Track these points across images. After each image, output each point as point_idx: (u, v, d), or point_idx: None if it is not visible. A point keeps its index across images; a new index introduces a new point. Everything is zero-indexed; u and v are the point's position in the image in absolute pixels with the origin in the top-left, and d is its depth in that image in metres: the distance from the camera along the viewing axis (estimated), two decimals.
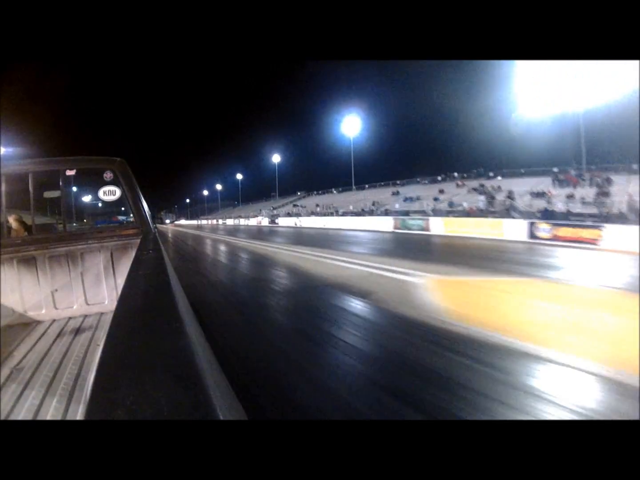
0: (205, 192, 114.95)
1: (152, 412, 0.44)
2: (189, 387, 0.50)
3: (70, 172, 3.22)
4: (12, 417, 1.57)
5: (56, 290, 3.13)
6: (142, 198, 3.46)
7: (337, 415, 2.31)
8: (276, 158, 63.97)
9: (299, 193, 55.38)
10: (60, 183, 3.21)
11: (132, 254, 3.19)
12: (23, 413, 1.61)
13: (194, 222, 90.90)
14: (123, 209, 3.51)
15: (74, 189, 3.43)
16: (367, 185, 40.86)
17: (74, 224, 3.67)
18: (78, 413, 1.58)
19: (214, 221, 68.95)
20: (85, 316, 3.16)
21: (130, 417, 0.43)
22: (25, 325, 2.95)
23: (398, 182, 35.96)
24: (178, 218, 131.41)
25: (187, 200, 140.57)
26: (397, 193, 31.61)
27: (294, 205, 44.66)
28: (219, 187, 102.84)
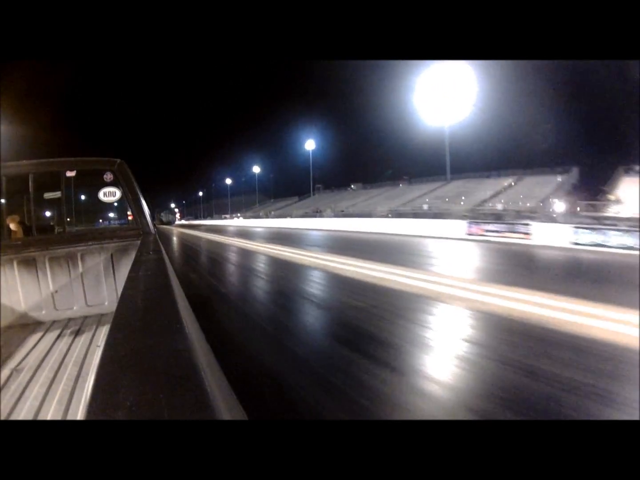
0: (229, 181, 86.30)
1: (152, 412, 0.44)
2: (189, 387, 0.50)
3: (70, 174, 3.22)
4: (13, 418, 1.57)
5: (56, 291, 3.14)
6: (142, 199, 3.47)
7: None
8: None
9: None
10: (61, 184, 3.22)
11: (132, 255, 3.19)
12: (23, 414, 1.61)
13: (208, 221, 69.11)
14: (116, 206, 3.51)
15: (74, 190, 3.43)
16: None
17: (74, 226, 3.67)
18: (78, 414, 1.58)
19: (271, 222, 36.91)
20: (86, 317, 3.16)
21: (131, 418, 0.43)
22: (25, 326, 2.95)
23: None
24: (189, 217, 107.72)
25: (200, 194, 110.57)
26: None
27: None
28: (256, 169, 71.34)
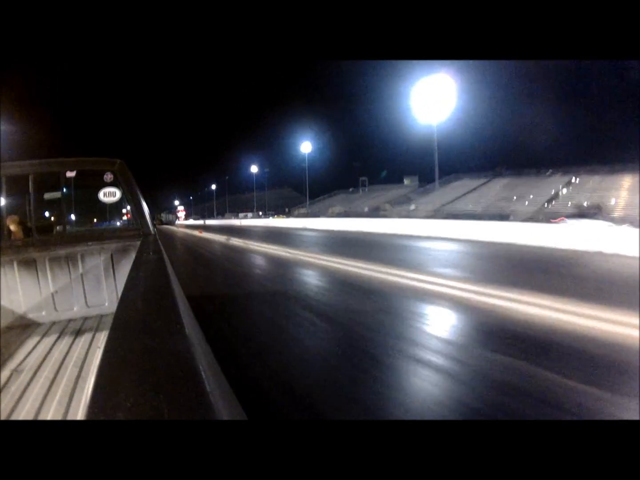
0: (254, 169, 66.77)
1: (152, 413, 0.44)
2: (189, 387, 0.50)
3: (70, 174, 3.22)
4: (13, 418, 1.57)
5: (56, 292, 3.13)
6: (142, 199, 3.47)
7: None
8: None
9: None
10: (61, 185, 3.22)
11: (133, 255, 3.19)
12: (23, 414, 1.61)
13: (227, 221, 53.69)
14: (116, 206, 3.51)
15: (74, 190, 3.43)
16: None
17: (75, 226, 3.68)
18: (78, 415, 1.58)
19: None
20: (86, 318, 3.16)
21: (131, 418, 0.43)
22: (26, 327, 2.95)
23: None
24: (196, 216, 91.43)
25: (213, 187, 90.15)
26: None
27: None
28: (307, 147, 47.54)
